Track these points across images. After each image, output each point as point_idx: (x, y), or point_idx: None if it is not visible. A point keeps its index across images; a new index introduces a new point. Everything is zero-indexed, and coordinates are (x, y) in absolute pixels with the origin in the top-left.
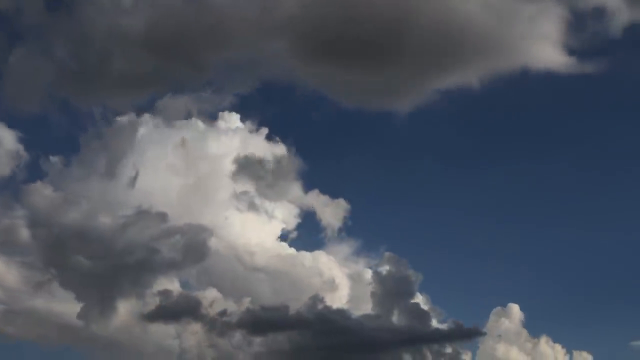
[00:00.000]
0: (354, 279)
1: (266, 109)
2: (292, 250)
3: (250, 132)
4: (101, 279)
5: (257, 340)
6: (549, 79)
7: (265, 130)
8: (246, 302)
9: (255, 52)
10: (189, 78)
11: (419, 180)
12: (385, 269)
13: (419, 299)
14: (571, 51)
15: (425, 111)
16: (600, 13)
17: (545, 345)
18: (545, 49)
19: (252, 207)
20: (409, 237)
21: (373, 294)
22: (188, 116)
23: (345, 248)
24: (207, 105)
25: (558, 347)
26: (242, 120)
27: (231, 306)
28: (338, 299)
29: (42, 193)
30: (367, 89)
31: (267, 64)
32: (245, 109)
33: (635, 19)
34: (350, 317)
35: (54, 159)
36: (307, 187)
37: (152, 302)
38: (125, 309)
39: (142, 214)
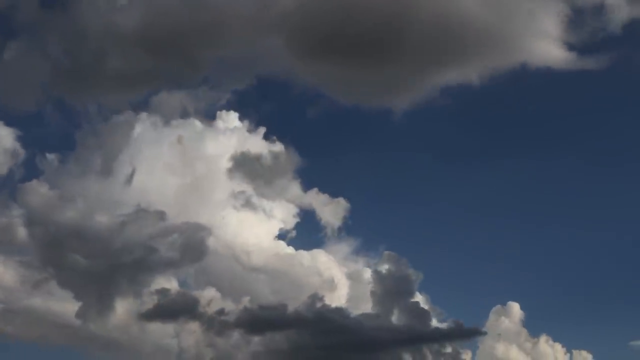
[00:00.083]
0: (353, 278)
1: (263, 106)
2: (291, 250)
3: (249, 131)
4: (99, 278)
5: (256, 339)
6: (548, 76)
7: (263, 130)
8: (245, 302)
9: (251, 49)
10: (185, 75)
11: (418, 178)
12: (384, 268)
13: (419, 298)
14: (571, 47)
15: (424, 108)
16: (599, 9)
17: (545, 344)
18: (545, 45)
19: (251, 206)
20: (409, 236)
21: (373, 293)
22: (184, 113)
23: (345, 247)
24: (204, 103)
25: (558, 346)
26: (241, 119)
27: (229, 305)
28: (337, 299)
29: (39, 191)
30: (365, 85)
31: (264, 60)
32: (241, 106)
33: (634, 15)
34: (349, 316)
35: (50, 156)
36: (306, 186)
37: (150, 301)
38: (123, 308)
39: (140, 213)
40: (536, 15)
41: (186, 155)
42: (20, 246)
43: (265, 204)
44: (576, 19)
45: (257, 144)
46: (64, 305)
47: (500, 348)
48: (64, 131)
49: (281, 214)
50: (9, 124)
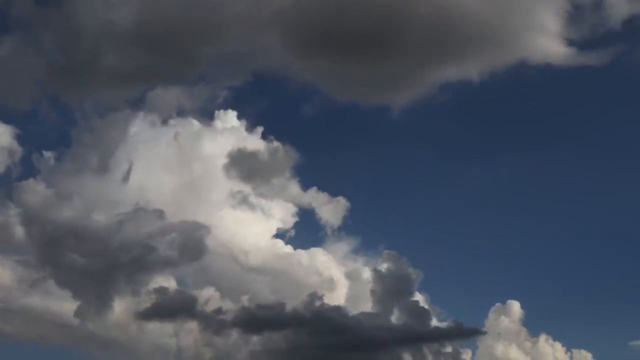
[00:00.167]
0: (353, 277)
1: (259, 103)
2: (291, 249)
3: (247, 129)
4: (97, 277)
5: (254, 338)
6: (548, 72)
7: (260, 128)
8: (244, 301)
9: (247, 46)
10: (181, 72)
11: (418, 175)
12: (384, 267)
13: (418, 298)
14: (570, 43)
15: (423, 105)
16: (599, 5)
17: (545, 343)
18: (545, 41)
19: (250, 205)
20: (408, 234)
21: (373, 293)
22: (181, 110)
23: (344, 246)
24: (200, 100)
25: (558, 345)
26: (239, 117)
27: (228, 305)
28: (337, 298)
29: (35, 190)
30: (363, 82)
31: (260, 57)
32: (238, 103)
33: (634, 11)
34: (348, 315)
35: (47, 154)
36: (305, 184)
37: (148, 300)
38: (121, 307)
39: (139, 211)
40: (536, 11)
41: (184, 153)
42: (17, 245)
43: (264, 203)
44: (576, 14)
45: (254, 142)
46: (62, 305)
47: (500, 347)
48: (59, 129)
49: (280, 213)
50: (5, 121)
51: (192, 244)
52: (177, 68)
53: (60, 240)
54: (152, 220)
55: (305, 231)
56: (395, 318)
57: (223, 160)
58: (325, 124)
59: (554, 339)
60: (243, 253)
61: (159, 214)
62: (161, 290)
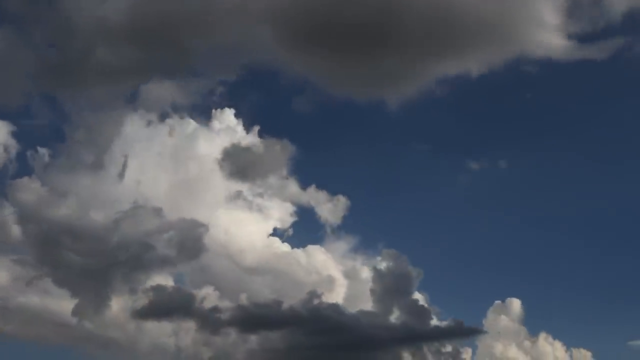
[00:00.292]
0: (352, 276)
1: (253, 98)
2: (290, 248)
3: (245, 128)
4: (95, 276)
5: (252, 338)
6: (547, 65)
7: (257, 124)
8: (242, 300)
9: (240, 39)
10: (174, 66)
11: (416, 172)
12: (384, 265)
13: (418, 297)
14: (570, 37)
15: (421, 100)
16: None
17: (544, 342)
18: (544, 35)
19: (248, 204)
20: (407, 233)
21: (372, 292)
22: (175, 105)
23: (343, 245)
24: (194, 94)
25: (557, 344)
26: (236, 116)
27: (226, 304)
28: (336, 297)
29: (30, 188)
30: (359, 77)
31: (253, 51)
32: (232, 97)
33: (633, 5)
34: (346, 313)
35: (42, 150)
36: (303, 182)
37: (145, 298)
38: (119, 306)
39: (137, 210)
40: (535, 4)
41: (180, 150)
42: (14, 244)
43: (263, 202)
44: (575, 8)
45: (250, 137)
46: (60, 303)
47: (500, 346)
48: (53, 125)
49: (279, 212)
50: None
51: (190, 242)
52: (171, 62)
53: (57, 238)
54: (150, 218)
55: (304, 230)
56: (394, 317)
57: (219, 157)
58: (321, 120)
59: (554, 338)
60: (242, 252)
61: (157, 211)
62: (158, 288)
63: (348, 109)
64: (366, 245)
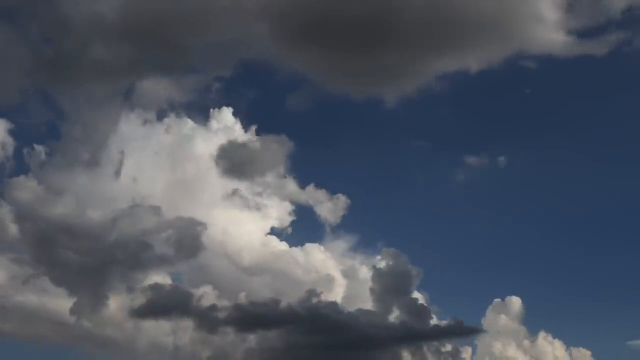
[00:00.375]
0: (351, 275)
1: (250, 95)
2: (289, 248)
3: (243, 127)
4: (93, 275)
5: (251, 337)
6: (547, 61)
7: (255, 127)
8: (241, 299)
9: (236, 36)
10: (170, 63)
11: (415, 170)
12: (383, 264)
13: (418, 296)
14: (570, 32)
15: (420, 97)
16: None
17: (544, 341)
18: (544, 31)
19: (247, 203)
20: (407, 232)
21: (372, 291)
22: (171, 103)
23: (342, 244)
24: (190, 92)
25: (557, 343)
26: (234, 114)
27: (225, 303)
28: (335, 296)
29: (27, 186)
30: (357, 73)
31: (249, 47)
32: (228, 94)
33: (633, 0)
34: (344, 313)
35: (38, 148)
36: (302, 182)
37: (143, 297)
38: (116, 304)
39: (135, 208)
40: (534, 0)
41: (177, 149)
42: (11, 243)
43: (262, 201)
44: (575, 4)
45: (248, 136)
46: (58, 302)
47: (499, 345)
48: (48, 123)
49: (278, 211)
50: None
51: (188, 241)
52: (167, 60)
53: (54, 237)
54: (148, 217)
55: (304, 229)
56: (394, 317)
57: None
58: (319, 117)
59: (554, 337)
60: (240, 251)
61: (156, 210)
62: (156, 287)
63: (346, 107)
64: (366, 244)
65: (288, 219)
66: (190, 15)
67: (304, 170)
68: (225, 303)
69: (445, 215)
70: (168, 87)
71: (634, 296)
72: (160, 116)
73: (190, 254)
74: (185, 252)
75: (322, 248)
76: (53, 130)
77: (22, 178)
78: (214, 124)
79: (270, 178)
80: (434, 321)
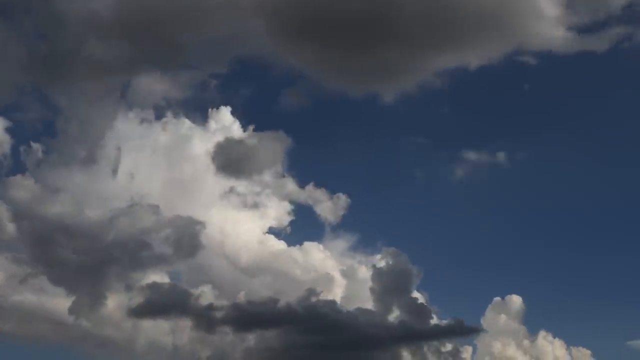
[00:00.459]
0: (351, 274)
1: (246, 91)
2: (289, 247)
3: (242, 126)
4: (91, 274)
5: (250, 336)
6: (547, 57)
7: (252, 126)
8: (239, 298)
9: (231, 32)
10: (165, 59)
11: (414, 168)
12: (383, 263)
13: (417, 296)
14: (570, 28)
15: (418, 93)
16: None
17: (544, 340)
18: (543, 27)
19: (245, 202)
20: (406, 231)
21: (372, 290)
22: (167, 100)
23: (342, 243)
24: (186, 89)
25: (557, 342)
26: (232, 113)
27: (222, 302)
28: (334, 296)
29: (24, 185)
30: (353, 70)
31: (245, 43)
32: (224, 91)
33: None
34: (343, 312)
35: (35, 145)
36: (301, 181)
37: (141, 296)
38: (114, 303)
39: (133, 207)
40: None
41: (175, 148)
42: (8, 242)
43: (260, 199)
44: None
45: (246, 134)
46: (56, 302)
47: (499, 345)
48: (44, 120)
49: (276, 210)
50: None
51: (186, 240)
52: (163, 56)
53: (51, 236)
54: (146, 216)
55: (303, 228)
56: (394, 316)
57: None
58: (316, 114)
59: (554, 336)
60: (238, 250)
61: (154, 209)
62: (154, 286)
63: (343, 103)
64: (365, 243)
65: (287, 219)
66: (186, 12)
67: (302, 168)
68: (223, 302)
69: (445, 213)
70: (164, 83)
71: (634, 296)
72: (158, 114)
73: (189, 253)
74: (184, 251)
75: (321, 247)
76: (49, 127)
77: (18, 177)
78: (212, 123)
79: (268, 177)
80: (434, 320)
